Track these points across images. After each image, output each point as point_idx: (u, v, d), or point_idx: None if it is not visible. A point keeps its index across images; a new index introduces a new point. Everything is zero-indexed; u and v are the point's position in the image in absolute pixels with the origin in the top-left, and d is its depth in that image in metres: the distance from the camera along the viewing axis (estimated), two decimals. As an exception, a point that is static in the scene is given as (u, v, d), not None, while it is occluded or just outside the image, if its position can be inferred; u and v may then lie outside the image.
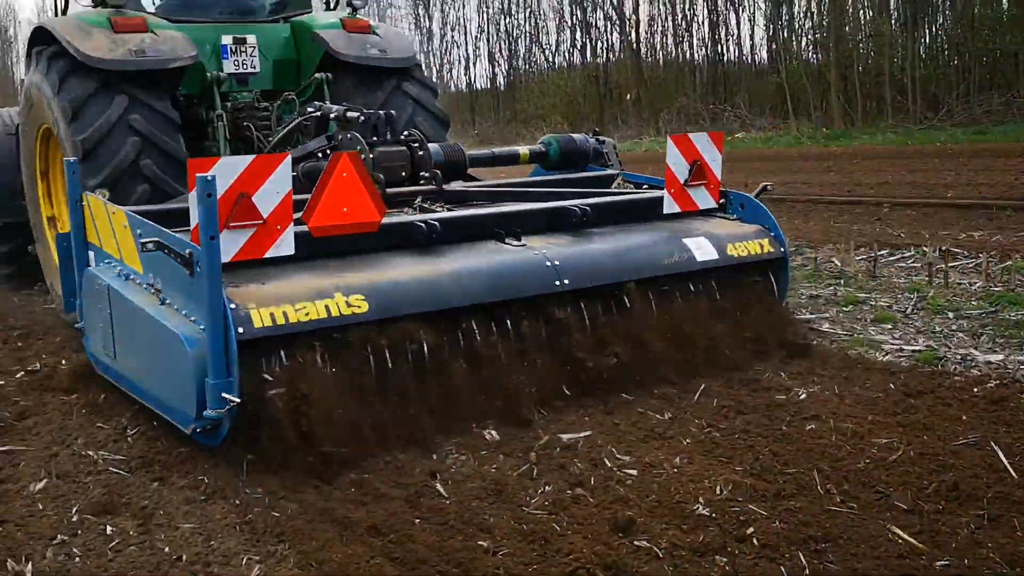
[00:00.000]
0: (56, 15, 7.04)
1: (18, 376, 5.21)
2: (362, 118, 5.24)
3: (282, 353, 3.66)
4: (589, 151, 6.29)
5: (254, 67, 6.53)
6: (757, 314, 4.96)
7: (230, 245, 3.69)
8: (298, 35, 6.85)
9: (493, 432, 3.90)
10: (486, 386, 4.03)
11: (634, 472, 3.47)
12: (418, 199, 5.12)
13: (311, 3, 7.27)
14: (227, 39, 6.40)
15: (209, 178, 3.46)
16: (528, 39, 37.19)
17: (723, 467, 3.49)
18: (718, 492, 3.27)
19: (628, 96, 30.11)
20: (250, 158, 3.81)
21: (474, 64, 40.33)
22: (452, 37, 40.14)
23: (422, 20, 40.39)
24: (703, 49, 31.15)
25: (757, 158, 19.36)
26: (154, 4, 6.87)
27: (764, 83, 27.90)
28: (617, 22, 32.76)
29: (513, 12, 37.50)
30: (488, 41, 38.61)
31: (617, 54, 33.14)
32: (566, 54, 35.90)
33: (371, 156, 5.02)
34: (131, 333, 4.08)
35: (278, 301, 3.70)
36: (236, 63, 6.43)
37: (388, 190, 4.94)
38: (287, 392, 3.57)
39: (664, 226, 5.06)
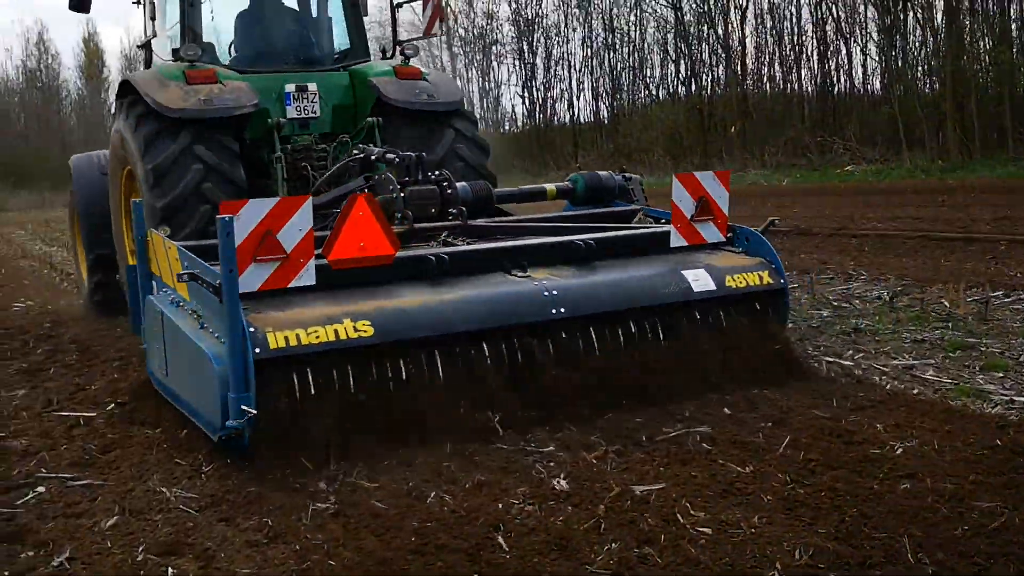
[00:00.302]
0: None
1: (109, 408, 5.34)
2: (397, 159, 5.75)
3: (297, 372, 4.11)
4: (615, 187, 6.55)
5: (315, 112, 7.01)
6: (757, 343, 5.12)
7: (257, 276, 4.18)
8: (356, 82, 7.30)
9: (563, 481, 3.76)
10: (482, 405, 4.37)
11: (708, 531, 3.27)
12: (444, 233, 5.52)
13: (370, 53, 7.83)
14: (290, 87, 6.93)
15: (227, 220, 3.97)
16: (631, 72, 37.12)
17: (805, 529, 3.26)
18: (797, 557, 3.05)
19: (732, 128, 29.63)
20: (275, 200, 4.26)
21: (577, 98, 40.39)
22: (555, 71, 40.30)
23: (526, 55, 40.76)
24: (812, 80, 30.50)
25: (867, 191, 18.71)
26: (229, 56, 7.47)
27: (876, 114, 27.03)
28: (723, 54, 32.37)
29: (617, 47, 37.53)
30: (592, 75, 38.72)
31: (722, 86, 32.72)
32: (670, 87, 35.68)
33: (402, 195, 5.47)
34: (177, 352, 4.56)
35: (293, 325, 4.12)
36: (298, 108, 6.93)
37: (416, 225, 5.44)
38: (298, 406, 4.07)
39: (669, 259, 5.29)
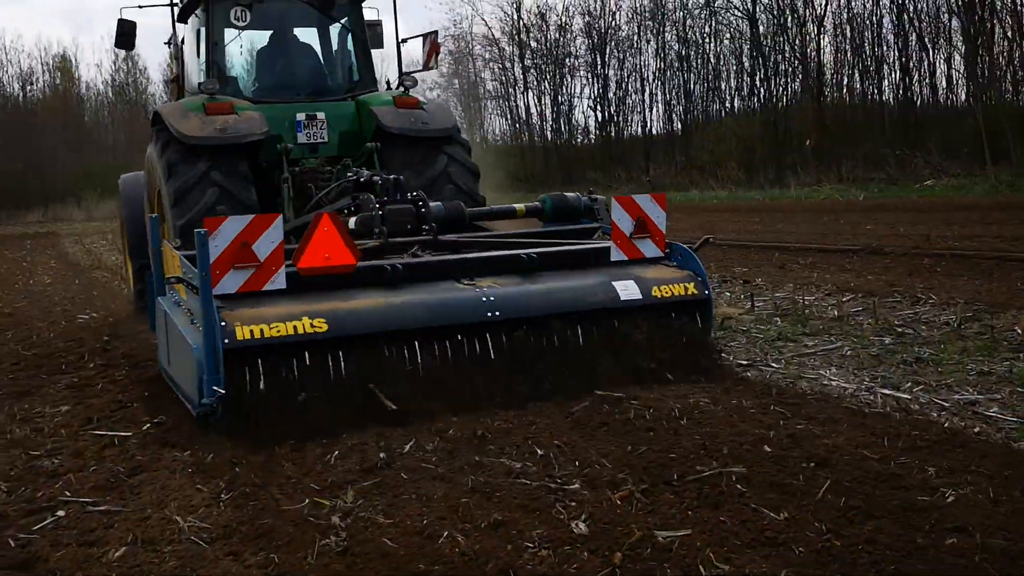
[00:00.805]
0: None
1: (145, 428, 5.33)
2: (380, 181, 6.46)
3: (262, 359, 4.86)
4: (581, 207, 6.97)
5: (323, 138, 7.88)
6: (679, 345, 5.67)
7: (235, 281, 4.97)
8: (361, 111, 8.05)
9: (582, 524, 3.57)
10: (434, 390, 5.01)
11: (729, 585, 3.05)
12: (415, 247, 6.05)
13: (377, 84, 8.57)
14: (301, 116, 7.79)
15: (203, 233, 4.76)
16: (705, 84, 36.62)
17: (836, 587, 3.02)
18: (823, 619, 2.81)
19: (807, 141, 28.92)
20: (250, 217, 4.99)
21: (650, 110, 40.06)
22: (628, 84, 39.98)
23: (599, 68, 40.55)
24: (893, 92, 29.62)
25: (947, 207, 17.98)
26: (251, 89, 8.33)
27: (959, 127, 26.06)
28: (799, 65, 31.67)
29: (691, 58, 37.07)
30: (664, 87, 38.33)
31: (798, 98, 32.01)
32: (744, 99, 35.08)
33: (380, 213, 6.12)
34: (174, 343, 5.25)
35: (258, 321, 4.82)
36: (308, 135, 7.81)
37: (391, 239, 6.07)
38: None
39: (606, 271, 5.86)
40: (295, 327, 4.84)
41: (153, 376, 6.68)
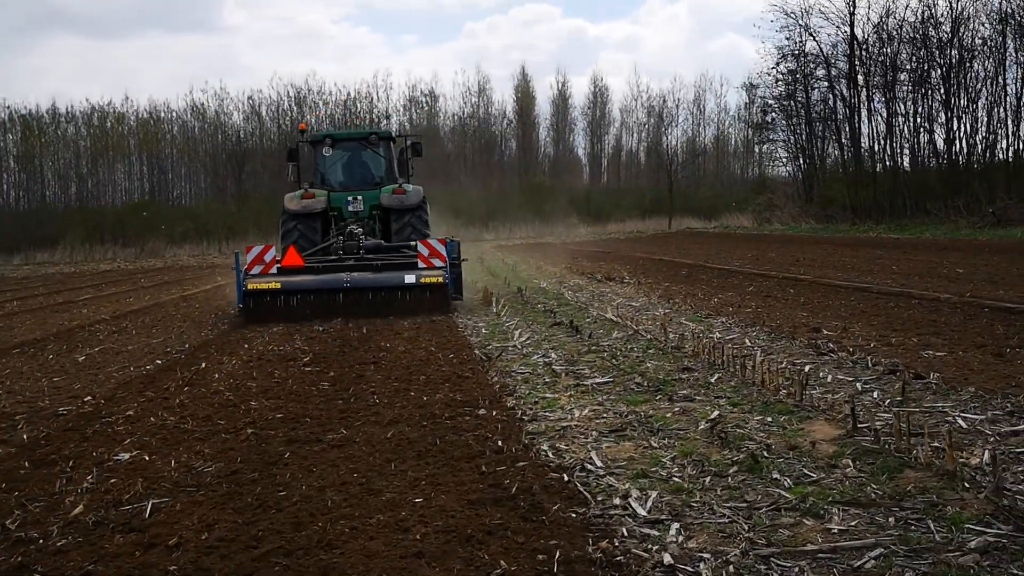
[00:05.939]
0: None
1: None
2: (348, 230, 15.47)
3: (256, 298, 13.86)
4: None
5: (360, 208, 16.16)
6: (433, 303, 13.45)
7: (257, 269, 14.19)
8: (380, 195, 16.00)
9: None
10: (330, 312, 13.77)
11: None
12: (351, 260, 14.59)
13: (396, 180, 16.53)
14: (350, 197, 16.09)
15: (237, 252, 14.84)
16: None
17: None
18: None
19: None
20: (263, 246, 14.43)
21: (1012, 130, 34.36)
22: (983, 101, 34.66)
23: (950, 82, 35.68)
24: None
25: None
26: (335, 183, 16.59)
27: None
28: None
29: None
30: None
31: None
32: None
33: (340, 244, 15.15)
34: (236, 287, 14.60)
35: (257, 282, 13.79)
36: (353, 207, 16.07)
37: (343, 255, 14.85)
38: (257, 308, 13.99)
39: (408, 270, 13.91)
40: (268, 285, 13.47)
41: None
